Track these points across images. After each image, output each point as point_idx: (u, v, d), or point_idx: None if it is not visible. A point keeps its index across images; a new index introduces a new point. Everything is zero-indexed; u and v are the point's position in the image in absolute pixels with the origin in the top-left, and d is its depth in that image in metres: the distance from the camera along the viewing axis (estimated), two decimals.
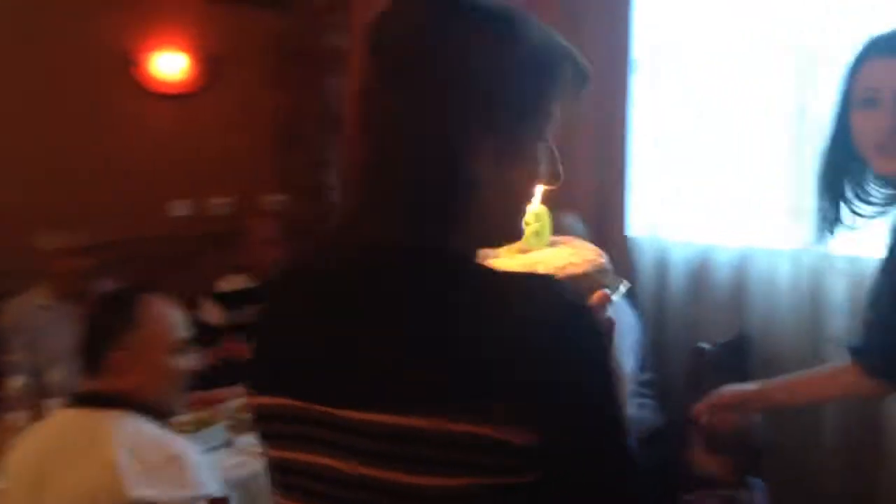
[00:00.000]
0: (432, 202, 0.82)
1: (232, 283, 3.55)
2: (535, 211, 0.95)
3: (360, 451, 0.80)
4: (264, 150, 4.45)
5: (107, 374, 1.74)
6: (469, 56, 0.82)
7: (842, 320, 2.65)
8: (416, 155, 0.82)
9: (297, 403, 0.84)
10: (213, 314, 3.43)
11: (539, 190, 0.92)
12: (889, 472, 2.53)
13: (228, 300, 3.48)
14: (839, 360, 1.66)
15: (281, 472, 0.89)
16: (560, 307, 0.79)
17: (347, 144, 0.89)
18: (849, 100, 1.55)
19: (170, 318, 1.84)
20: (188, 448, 1.72)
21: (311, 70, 4.49)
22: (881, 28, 1.56)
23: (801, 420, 2.68)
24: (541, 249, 0.98)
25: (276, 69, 4.44)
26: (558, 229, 1.03)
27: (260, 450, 0.92)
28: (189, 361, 1.87)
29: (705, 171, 3.02)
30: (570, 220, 2.73)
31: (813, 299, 2.74)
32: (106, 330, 1.76)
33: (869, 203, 1.59)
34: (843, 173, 1.58)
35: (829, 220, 1.61)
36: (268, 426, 0.89)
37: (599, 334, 0.81)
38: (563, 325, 0.78)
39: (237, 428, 2.49)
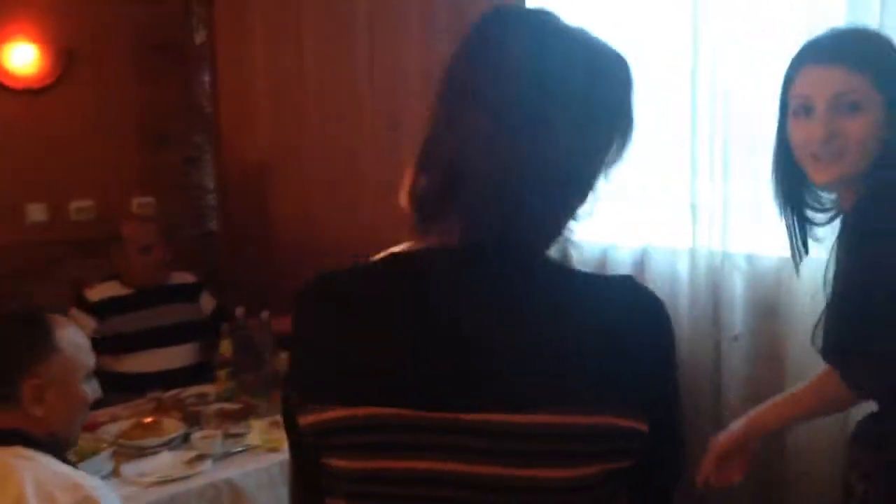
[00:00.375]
0: (557, 218, 0.92)
1: (101, 291, 3.27)
2: None
3: (484, 452, 0.82)
4: (128, 150, 4.12)
5: (14, 406, 1.55)
6: (614, 90, 0.97)
7: (740, 318, 2.67)
8: (559, 171, 0.89)
9: (400, 412, 0.83)
10: (82, 325, 3.13)
11: None
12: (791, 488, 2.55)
13: (99, 310, 3.21)
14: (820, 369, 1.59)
15: (381, 483, 0.87)
16: (653, 304, 0.89)
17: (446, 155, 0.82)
18: (786, 109, 1.53)
19: (82, 341, 1.66)
20: (100, 486, 1.54)
21: (178, 65, 4.26)
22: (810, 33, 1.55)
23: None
24: None
25: (140, 63, 4.14)
26: None
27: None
28: (94, 389, 1.70)
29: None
30: None
31: (712, 296, 2.75)
32: (17, 357, 1.57)
33: (823, 210, 1.57)
34: (796, 185, 1.55)
35: (800, 236, 1.58)
36: (354, 438, 0.86)
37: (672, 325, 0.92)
38: (659, 322, 0.89)
39: (122, 455, 2.26)
